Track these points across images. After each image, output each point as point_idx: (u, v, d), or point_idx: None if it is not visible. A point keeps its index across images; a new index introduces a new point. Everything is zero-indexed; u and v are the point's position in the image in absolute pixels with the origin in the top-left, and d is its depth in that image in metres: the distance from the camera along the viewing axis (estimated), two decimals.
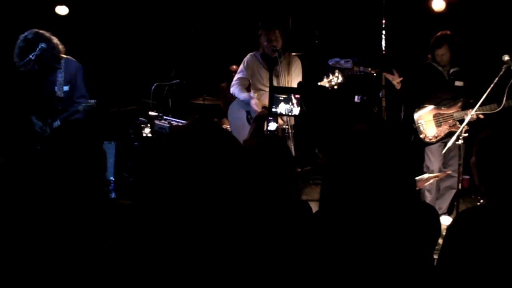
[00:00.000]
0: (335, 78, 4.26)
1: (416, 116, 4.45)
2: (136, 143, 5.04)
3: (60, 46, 3.82)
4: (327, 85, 4.28)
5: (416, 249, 1.67)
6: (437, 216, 1.77)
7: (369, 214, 1.58)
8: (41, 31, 3.73)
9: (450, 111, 4.36)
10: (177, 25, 6.62)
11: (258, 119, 2.64)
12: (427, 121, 4.40)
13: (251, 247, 1.52)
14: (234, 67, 6.89)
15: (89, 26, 6.06)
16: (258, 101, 4.45)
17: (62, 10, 5.65)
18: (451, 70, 4.43)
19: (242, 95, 4.54)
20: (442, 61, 4.41)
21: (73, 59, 3.96)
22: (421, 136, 4.39)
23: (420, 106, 4.48)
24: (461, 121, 4.06)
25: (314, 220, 1.65)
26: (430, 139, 4.37)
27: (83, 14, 5.95)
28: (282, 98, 1.71)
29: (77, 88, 3.92)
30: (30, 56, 3.64)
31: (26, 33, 3.71)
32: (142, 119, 4.73)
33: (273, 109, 1.72)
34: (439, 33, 4.41)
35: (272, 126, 1.90)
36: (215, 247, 1.44)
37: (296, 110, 1.69)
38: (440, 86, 4.44)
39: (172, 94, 5.62)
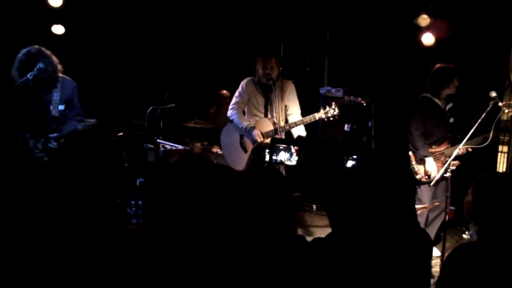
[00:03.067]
0: (332, 110, 4.38)
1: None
2: (126, 165, 5.05)
3: (59, 66, 3.85)
4: (323, 116, 4.39)
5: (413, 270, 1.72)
6: (430, 241, 1.82)
7: (374, 242, 1.62)
8: (43, 48, 3.77)
9: (440, 149, 4.43)
10: (171, 48, 6.69)
11: (256, 151, 2.65)
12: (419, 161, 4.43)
13: (247, 281, 1.55)
14: (224, 92, 6.98)
15: (85, 45, 6.09)
16: (259, 132, 4.50)
17: (58, 29, 5.68)
18: (448, 107, 4.52)
19: (243, 124, 4.58)
20: (452, 92, 4.45)
21: (69, 78, 3.99)
22: (418, 177, 4.40)
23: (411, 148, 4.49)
24: None
25: (323, 247, 1.69)
26: (427, 179, 4.38)
27: (79, 34, 5.98)
28: (282, 148, 1.80)
29: (73, 107, 3.96)
30: (28, 76, 3.67)
31: (28, 48, 3.74)
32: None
33: (274, 157, 1.80)
34: (447, 65, 4.46)
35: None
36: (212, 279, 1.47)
37: (294, 160, 1.77)
38: (438, 123, 4.47)
39: (164, 117, 5.65)
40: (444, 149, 4.41)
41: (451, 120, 4.50)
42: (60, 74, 3.90)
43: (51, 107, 3.87)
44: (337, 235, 1.58)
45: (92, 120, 3.87)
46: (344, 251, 1.57)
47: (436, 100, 4.49)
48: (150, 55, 6.62)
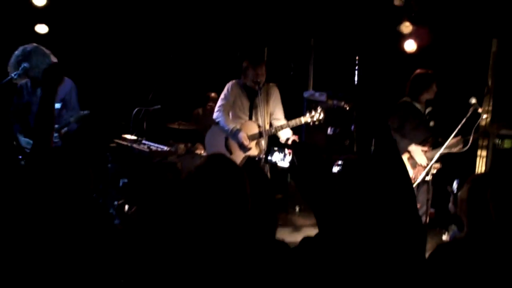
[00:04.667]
0: (317, 114, 4.44)
1: None
2: (109, 165, 5.03)
3: None
4: (309, 120, 4.45)
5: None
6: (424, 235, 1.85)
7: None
8: (40, 47, 3.80)
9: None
10: (156, 49, 6.68)
11: (246, 165, 2.65)
12: None
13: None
14: (213, 94, 7.00)
15: (68, 46, 6.05)
16: (245, 134, 4.53)
17: (41, 28, 5.63)
18: (427, 111, 4.62)
19: (229, 126, 4.58)
20: (431, 97, 4.56)
21: (68, 79, 3.99)
22: None
23: None
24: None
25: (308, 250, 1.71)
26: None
27: (63, 33, 5.94)
28: (276, 149, 1.87)
29: (71, 107, 3.95)
30: (12, 75, 3.65)
31: (26, 45, 3.77)
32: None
33: (269, 158, 1.88)
34: (426, 71, 4.57)
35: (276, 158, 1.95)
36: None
37: (287, 161, 1.84)
38: (418, 126, 4.56)
39: (148, 118, 5.65)
40: (425, 152, 4.48)
41: (432, 123, 4.60)
42: None
43: None
44: (324, 236, 1.61)
45: (84, 112, 3.88)
46: (334, 250, 1.60)
47: (416, 104, 4.60)
48: (135, 56, 6.59)
